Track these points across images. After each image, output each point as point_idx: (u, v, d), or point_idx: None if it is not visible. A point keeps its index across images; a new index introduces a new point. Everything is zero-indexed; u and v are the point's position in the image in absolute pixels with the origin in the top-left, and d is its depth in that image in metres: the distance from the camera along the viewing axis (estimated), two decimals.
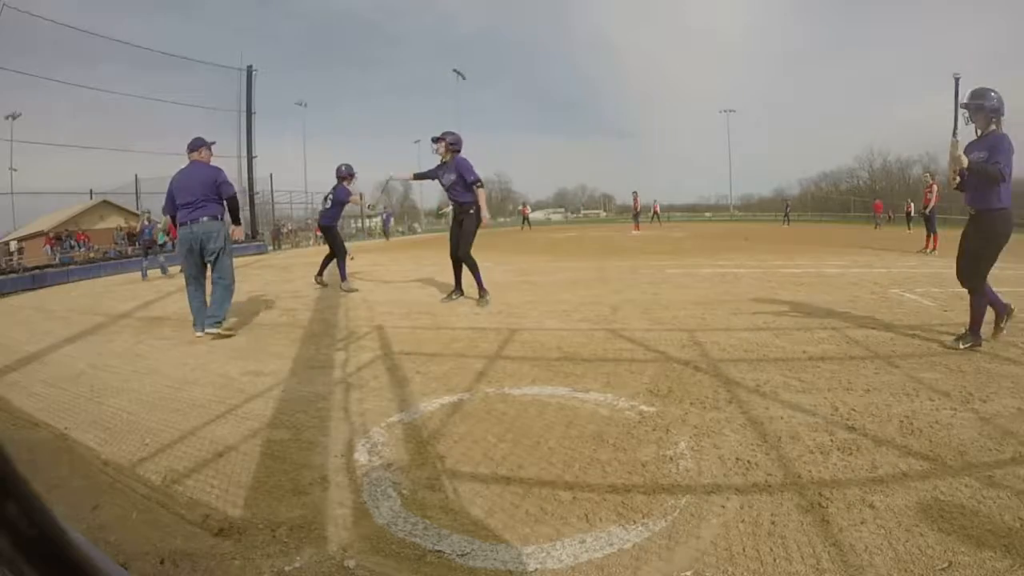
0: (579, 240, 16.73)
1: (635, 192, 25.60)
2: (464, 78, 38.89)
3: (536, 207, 33.04)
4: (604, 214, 53.38)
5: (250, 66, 24.20)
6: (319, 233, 9.29)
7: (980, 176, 3.17)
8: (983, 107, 3.22)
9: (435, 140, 5.26)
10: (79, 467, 2.08)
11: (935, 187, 10.61)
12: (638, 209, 25.25)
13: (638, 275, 7.28)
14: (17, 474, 0.31)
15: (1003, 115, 3.25)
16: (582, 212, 54.45)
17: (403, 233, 35.53)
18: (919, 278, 6.32)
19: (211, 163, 4.77)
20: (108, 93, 20.33)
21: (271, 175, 25.50)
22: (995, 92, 3.25)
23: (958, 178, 3.29)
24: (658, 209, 30.48)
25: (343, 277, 6.90)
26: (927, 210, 10.33)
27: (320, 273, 7.24)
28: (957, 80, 3.35)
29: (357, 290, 6.72)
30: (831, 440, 2.01)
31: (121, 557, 1.45)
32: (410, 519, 1.61)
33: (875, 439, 2.01)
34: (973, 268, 3.31)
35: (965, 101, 3.29)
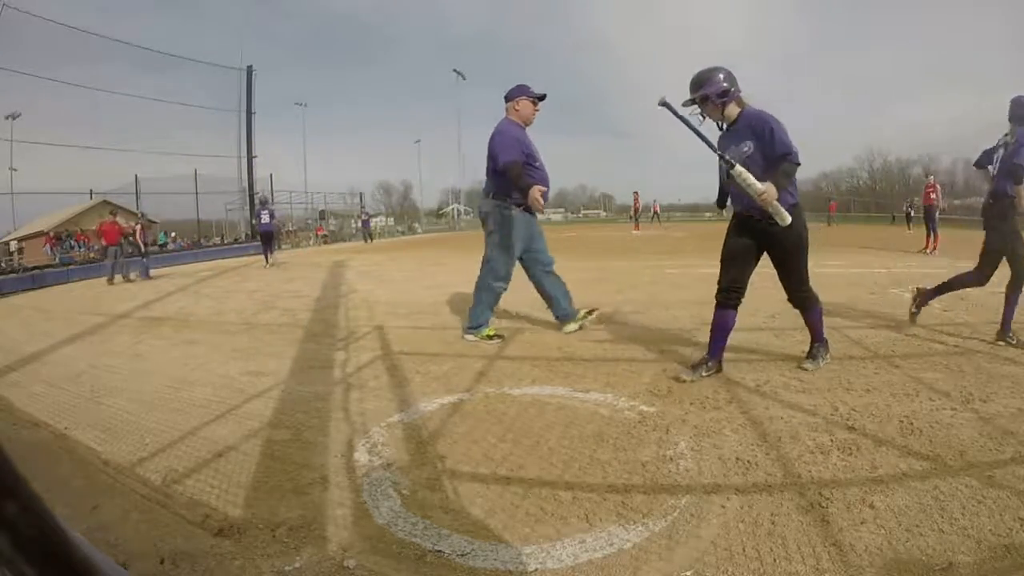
0: (579, 240, 16.73)
1: (636, 192, 25.63)
2: (464, 78, 38.94)
3: None
4: (604, 214, 53.45)
5: (250, 66, 24.27)
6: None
7: (789, 180, 2.57)
8: (708, 96, 2.65)
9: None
10: (79, 467, 2.08)
11: (936, 187, 10.62)
12: (638, 209, 25.25)
13: (638, 275, 7.28)
14: (17, 474, 0.31)
15: (739, 91, 2.69)
16: (582, 212, 54.50)
17: (403, 233, 35.52)
18: (919, 278, 6.31)
19: (513, 120, 3.71)
20: (108, 93, 20.38)
21: (271, 175, 25.53)
22: (717, 71, 2.67)
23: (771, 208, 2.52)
24: (658, 209, 30.48)
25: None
26: (936, 211, 10.34)
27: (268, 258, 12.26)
28: (665, 105, 2.56)
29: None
30: (831, 440, 2.01)
31: (121, 557, 1.45)
32: (410, 519, 1.61)
33: (875, 439, 2.01)
34: (804, 276, 2.78)
35: (687, 98, 2.71)
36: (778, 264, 2.79)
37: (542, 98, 3.77)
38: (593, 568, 1.37)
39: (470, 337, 3.76)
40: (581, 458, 1.96)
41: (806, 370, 2.85)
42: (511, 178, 3.52)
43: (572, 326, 3.85)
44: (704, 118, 2.75)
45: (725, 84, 2.65)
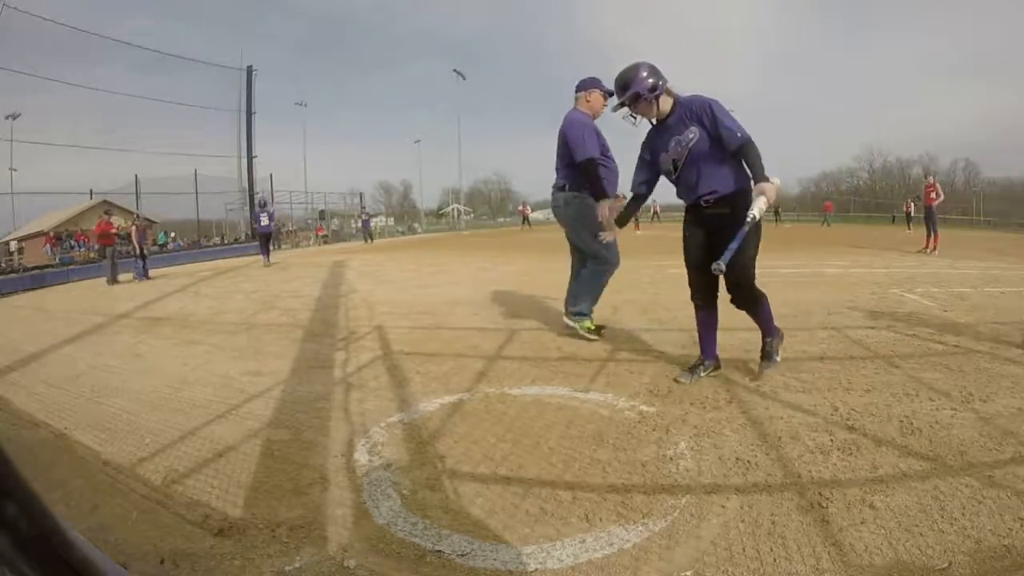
0: None
1: None
2: (464, 78, 38.97)
3: (536, 207, 32.98)
4: None
5: (250, 66, 24.33)
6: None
7: (759, 158, 2.41)
8: (640, 94, 2.54)
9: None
10: (79, 467, 2.08)
11: (936, 186, 10.63)
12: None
13: (638, 275, 7.27)
14: (17, 474, 0.31)
15: (667, 82, 2.57)
16: None
17: (403, 233, 35.55)
18: (919, 278, 6.31)
19: (583, 111, 3.57)
20: (108, 93, 20.41)
21: (271, 175, 25.57)
22: (640, 67, 2.56)
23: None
24: (658, 209, 30.51)
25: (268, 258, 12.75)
26: (936, 211, 10.35)
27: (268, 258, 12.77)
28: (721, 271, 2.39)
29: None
30: (831, 440, 2.01)
31: (121, 557, 1.45)
32: (410, 519, 1.61)
33: (875, 439, 2.01)
34: (751, 272, 2.57)
35: (616, 102, 2.63)
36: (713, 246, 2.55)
37: (612, 94, 3.72)
38: (593, 568, 1.37)
39: (570, 323, 3.62)
40: (581, 458, 1.96)
41: (764, 374, 2.71)
42: (586, 176, 3.41)
43: (575, 325, 3.66)
44: (637, 119, 2.67)
45: (651, 79, 2.54)
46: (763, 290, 2.66)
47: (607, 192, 3.38)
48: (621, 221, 3.17)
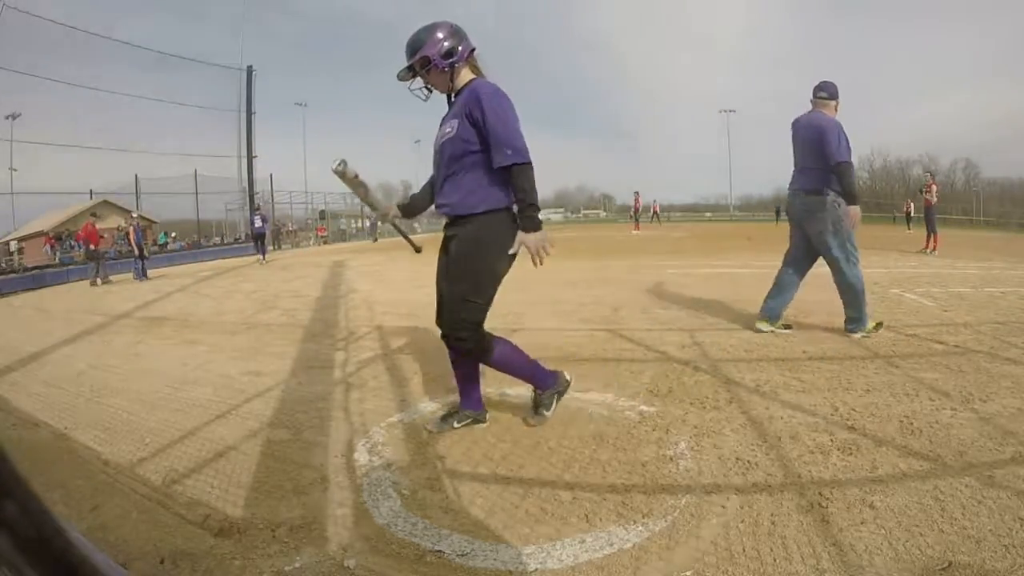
0: (579, 240, 16.72)
1: (636, 192, 25.66)
2: None
3: None
4: (604, 214, 53.48)
5: (250, 66, 24.35)
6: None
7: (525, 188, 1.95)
8: (431, 58, 2.01)
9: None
10: (79, 467, 2.08)
11: (935, 187, 10.63)
12: (638, 209, 25.27)
13: (638, 275, 7.27)
14: (17, 474, 0.31)
15: (473, 49, 2.09)
16: (582, 212, 54.49)
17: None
18: (919, 278, 6.31)
19: (824, 117, 3.57)
20: (108, 93, 20.43)
21: (271, 175, 25.59)
22: (437, 27, 2.03)
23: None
24: (658, 209, 30.54)
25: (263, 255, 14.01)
26: (935, 211, 10.36)
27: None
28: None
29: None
30: (831, 440, 2.01)
31: (121, 557, 1.45)
32: (410, 519, 1.61)
33: (875, 439, 2.01)
34: (464, 301, 2.05)
35: (403, 66, 2.07)
36: (447, 273, 2.18)
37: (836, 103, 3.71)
38: (593, 568, 1.37)
39: (858, 335, 3.54)
40: (581, 458, 1.96)
41: (533, 425, 2.23)
42: (847, 178, 3.44)
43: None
44: (429, 92, 2.13)
45: (449, 43, 2.02)
46: (495, 336, 2.13)
47: (858, 196, 3.49)
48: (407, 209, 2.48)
